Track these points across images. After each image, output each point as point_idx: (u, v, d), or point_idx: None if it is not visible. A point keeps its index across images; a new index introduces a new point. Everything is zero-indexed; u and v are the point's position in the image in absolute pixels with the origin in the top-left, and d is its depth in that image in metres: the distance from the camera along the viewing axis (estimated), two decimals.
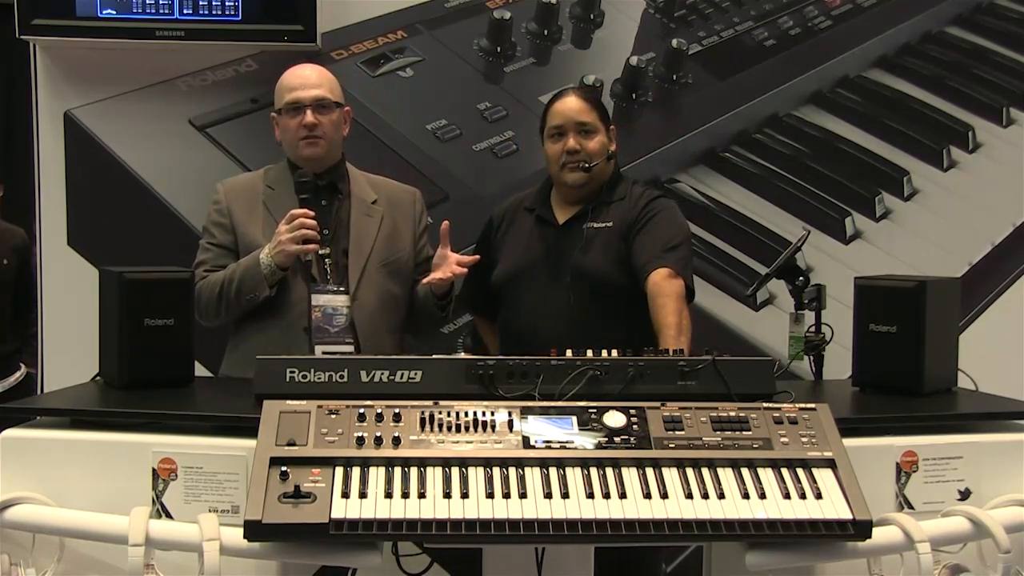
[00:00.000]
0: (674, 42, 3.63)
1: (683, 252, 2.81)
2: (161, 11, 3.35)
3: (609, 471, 1.94)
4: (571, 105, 2.89)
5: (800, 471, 1.96)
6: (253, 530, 1.83)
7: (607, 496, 1.89)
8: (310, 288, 2.76)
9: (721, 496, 1.91)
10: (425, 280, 2.78)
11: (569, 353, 2.19)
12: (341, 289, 2.79)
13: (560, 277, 2.86)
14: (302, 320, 2.75)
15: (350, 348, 2.75)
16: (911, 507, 2.13)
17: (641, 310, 2.72)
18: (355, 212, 2.87)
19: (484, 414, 2.02)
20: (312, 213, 2.71)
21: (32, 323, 3.73)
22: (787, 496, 1.92)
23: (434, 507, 1.86)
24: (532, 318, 2.86)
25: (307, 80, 2.84)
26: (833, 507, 1.90)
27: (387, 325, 2.85)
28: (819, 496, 1.91)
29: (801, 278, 2.83)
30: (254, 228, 2.82)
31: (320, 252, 2.76)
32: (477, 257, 2.80)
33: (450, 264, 2.72)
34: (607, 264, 2.84)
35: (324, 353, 2.68)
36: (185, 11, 3.36)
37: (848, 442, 2.02)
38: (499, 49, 3.61)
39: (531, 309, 2.88)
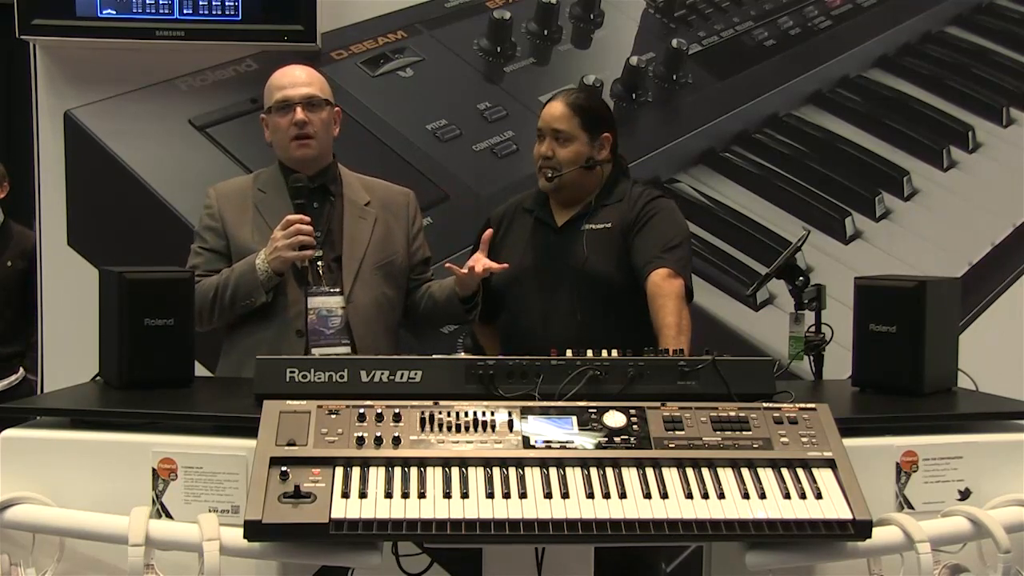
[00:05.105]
0: (674, 42, 3.63)
1: (682, 252, 2.81)
2: (161, 11, 3.36)
3: (609, 471, 1.94)
4: (551, 110, 2.89)
5: (800, 471, 1.96)
6: (253, 530, 1.83)
7: (607, 496, 1.89)
8: (304, 291, 2.74)
9: (721, 496, 1.91)
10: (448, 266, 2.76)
11: (569, 353, 2.19)
12: (336, 291, 2.77)
13: (560, 279, 2.86)
14: (295, 323, 2.73)
15: (346, 349, 2.74)
16: (911, 507, 2.13)
17: (642, 310, 2.72)
18: (348, 215, 2.85)
19: (484, 414, 2.02)
20: (308, 219, 2.69)
21: (35, 331, 3.72)
22: (787, 496, 1.92)
23: (434, 507, 1.85)
24: (533, 320, 2.86)
25: (296, 79, 2.82)
26: (833, 507, 1.90)
27: (383, 326, 2.84)
28: (819, 496, 1.91)
29: (801, 278, 2.83)
30: (246, 232, 2.80)
31: (314, 255, 2.75)
32: (506, 265, 2.77)
33: (479, 262, 2.71)
34: (606, 266, 2.84)
35: (321, 356, 2.66)
36: (185, 11, 3.36)
37: (848, 442, 2.02)
38: (499, 49, 3.61)
39: (531, 311, 2.88)
